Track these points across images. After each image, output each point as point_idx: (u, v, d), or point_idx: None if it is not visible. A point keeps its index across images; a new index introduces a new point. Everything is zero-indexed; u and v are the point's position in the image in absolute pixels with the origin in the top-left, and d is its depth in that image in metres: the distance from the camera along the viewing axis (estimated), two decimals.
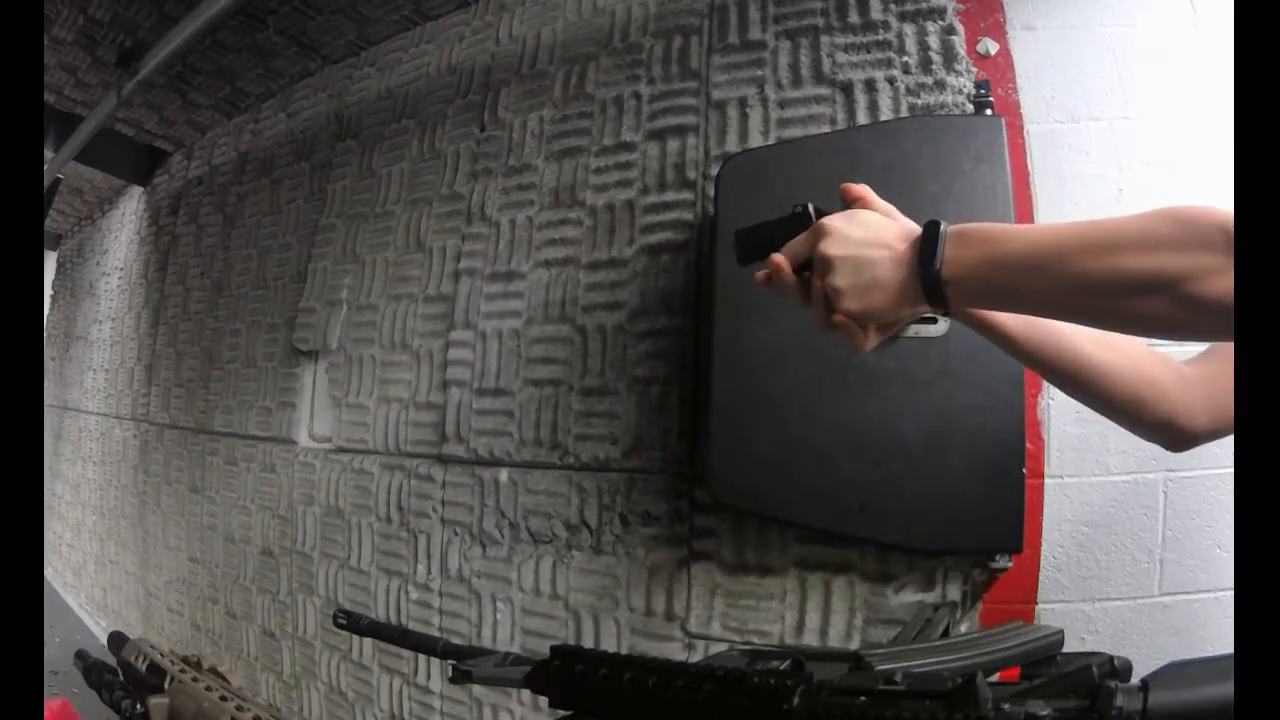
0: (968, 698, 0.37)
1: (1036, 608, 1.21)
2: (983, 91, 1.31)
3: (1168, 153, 1.25)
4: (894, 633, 1.20)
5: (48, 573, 3.89)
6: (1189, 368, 0.73)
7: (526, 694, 1.01)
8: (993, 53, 1.34)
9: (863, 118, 1.40)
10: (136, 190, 3.61)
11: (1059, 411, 1.23)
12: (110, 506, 3.30)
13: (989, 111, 1.29)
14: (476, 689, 1.63)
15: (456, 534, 1.74)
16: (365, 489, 1.94)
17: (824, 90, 1.44)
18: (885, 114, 1.38)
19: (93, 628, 3.33)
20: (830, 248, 0.62)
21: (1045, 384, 1.22)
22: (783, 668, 0.54)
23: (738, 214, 1.30)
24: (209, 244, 2.85)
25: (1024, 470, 1.18)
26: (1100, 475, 1.21)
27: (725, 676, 0.43)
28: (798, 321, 1.12)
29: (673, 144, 1.57)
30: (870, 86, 1.41)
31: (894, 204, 0.67)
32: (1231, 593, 1.06)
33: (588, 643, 1.51)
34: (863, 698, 0.40)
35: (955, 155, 1.23)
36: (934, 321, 1.20)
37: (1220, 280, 0.49)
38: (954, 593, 1.24)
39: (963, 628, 1.22)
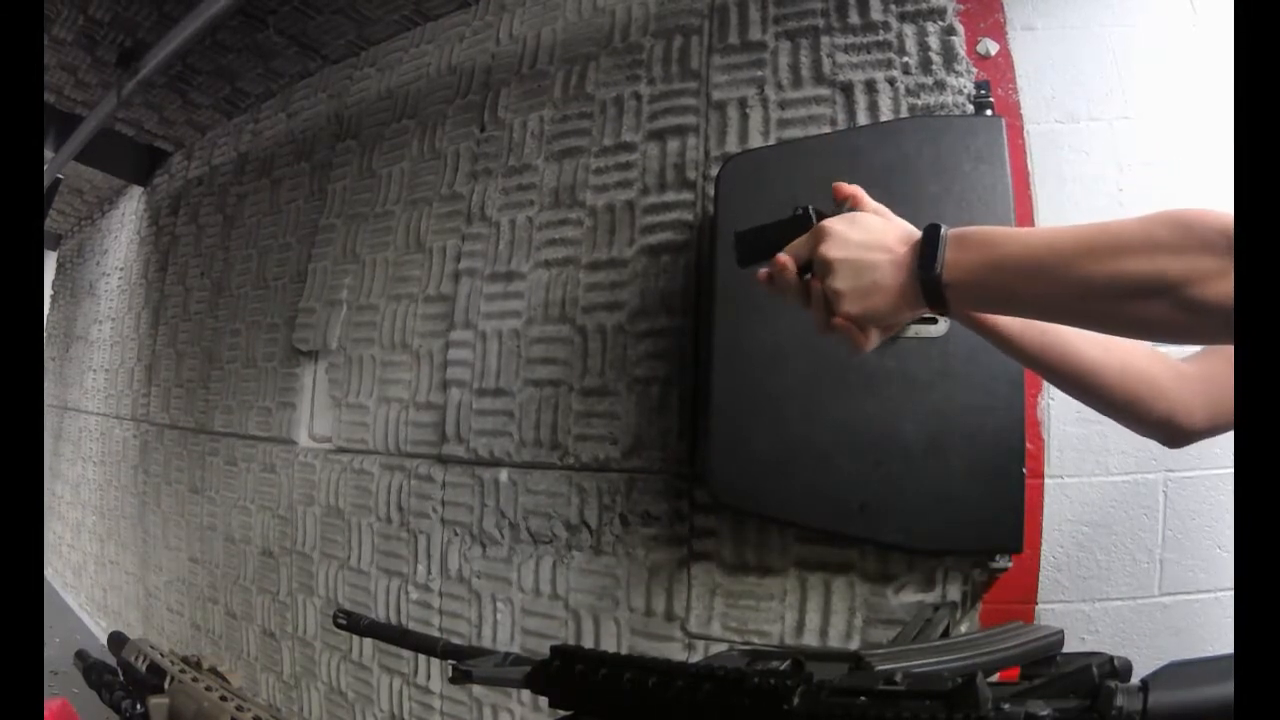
0: (968, 698, 0.37)
1: (1036, 608, 1.21)
2: (983, 92, 1.31)
3: (1168, 153, 1.25)
4: (894, 633, 1.20)
5: (48, 573, 3.89)
6: (1187, 365, 0.73)
7: (526, 694, 1.01)
8: (993, 53, 1.34)
9: (863, 118, 1.40)
10: (136, 190, 3.61)
11: (1059, 411, 1.23)
12: (110, 506, 3.30)
13: (989, 112, 1.29)
14: (476, 689, 1.63)
15: (456, 534, 1.74)
16: (365, 489, 1.94)
17: (824, 90, 1.44)
18: (885, 114, 1.38)
19: (93, 628, 3.33)
20: (830, 250, 0.62)
21: (1045, 384, 1.22)
22: (783, 668, 0.54)
23: (738, 214, 1.30)
24: (209, 244, 2.85)
25: (1024, 470, 1.18)
26: (1100, 475, 1.21)
27: (725, 676, 0.43)
28: (798, 321, 1.12)
29: (673, 144, 1.57)
30: (870, 87, 1.41)
31: (895, 204, 0.67)
32: (1231, 593, 1.06)
33: (588, 643, 1.51)
34: (863, 698, 0.40)
35: (955, 155, 1.23)
36: (934, 322, 1.20)
37: (1221, 283, 0.49)
38: (954, 593, 1.24)
39: (963, 628, 1.22)
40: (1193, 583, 1.17)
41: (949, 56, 1.36)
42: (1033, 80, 1.32)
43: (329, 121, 2.38)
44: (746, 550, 1.37)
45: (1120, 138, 1.27)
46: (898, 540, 1.21)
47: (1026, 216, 1.26)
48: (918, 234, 0.62)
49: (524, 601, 1.62)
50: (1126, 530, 1.19)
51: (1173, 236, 0.51)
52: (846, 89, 1.43)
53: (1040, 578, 1.21)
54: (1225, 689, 0.36)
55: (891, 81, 1.39)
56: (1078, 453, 1.22)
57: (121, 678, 0.72)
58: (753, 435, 1.27)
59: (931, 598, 1.25)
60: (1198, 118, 1.23)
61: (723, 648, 0.94)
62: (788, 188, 1.24)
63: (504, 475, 1.68)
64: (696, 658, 1.13)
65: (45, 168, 3.03)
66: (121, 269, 3.63)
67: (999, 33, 1.35)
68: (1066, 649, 0.61)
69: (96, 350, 3.75)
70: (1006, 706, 0.38)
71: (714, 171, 1.47)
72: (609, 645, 1.48)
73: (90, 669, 0.73)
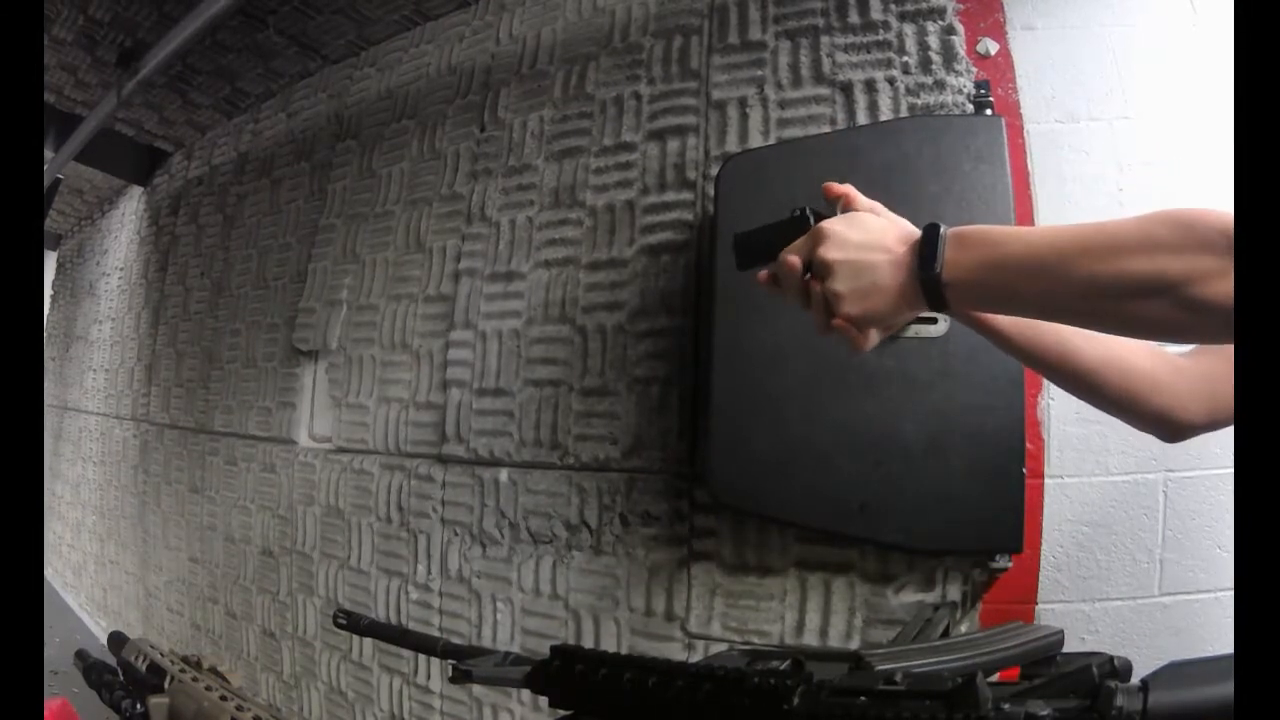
0: (968, 698, 0.37)
1: (1036, 608, 1.21)
2: (983, 91, 1.31)
3: (1168, 153, 1.25)
4: (894, 633, 1.20)
5: (48, 573, 3.89)
6: (1184, 360, 0.73)
7: (526, 694, 1.01)
8: (993, 53, 1.34)
9: (863, 118, 1.40)
10: (136, 190, 3.61)
11: (1059, 411, 1.23)
12: (110, 506, 3.30)
13: (989, 111, 1.29)
14: (476, 689, 1.63)
15: (456, 534, 1.74)
16: (365, 489, 1.94)
17: (824, 90, 1.44)
18: (885, 114, 1.38)
19: (93, 628, 3.33)
20: (829, 251, 0.62)
21: (1045, 384, 1.22)
22: (783, 668, 0.54)
23: (738, 214, 1.30)
24: (209, 244, 2.85)
25: (1024, 470, 1.18)
26: (1100, 475, 1.21)
27: (725, 676, 0.43)
28: (798, 322, 1.12)
29: (673, 144, 1.57)
30: (870, 86, 1.41)
31: (894, 204, 0.67)
32: (1231, 593, 1.06)
33: (588, 643, 1.51)
34: (863, 698, 0.40)
35: (955, 155, 1.23)
36: (934, 322, 1.20)
37: (1221, 283, 0.49)
38: (954, 593, 1.24)
39: (963, 628, 1.22)
40: (1193, 583, 1.17)
41: (949, 56, 1.36)
42: (1033, 80, 1.32)
43: (329, 121, 2.38)
44: (746, 550, 1.37)
45: (1120, 138, 1.27)
46: (898, 540, 1.21)
47: (1026, 216, 1.26)
48: (916, 233, 0.62)
49: (524, 601, 1.62)
50: (1126, 530, 1.19)
51: (1173, 236, 0.51)
52: (846, 89, 1.43)
53: (1040, 578, 1.21)
54: (1225, 689, 0.36)
55: (891, 81, 1.39)
56: (1078, 453, 1.22)
57: (121, 678, 0.72)
58: (753, 435, 1.27)
59: (931, 598, 1.25)
60: (1198, 118, 1.23)
61: (723, 648, 0.94)
62: (788, 188, 1.24)
63: (504, 475, 1.68)
64: (696, 658, 1.13)
65: (45, 168, 3.03)
66: (121, 269, 3.63)
67: (999, 32, 1.35)
68: (1066, 649, 0.61)
69: (96, 350, 3.75)
70: (1006, 706, 0.38)
71: (714, 171, 1.47)
72: (609, 645, 1.48)
73: (90, 669, 0.73)
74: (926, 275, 0.59)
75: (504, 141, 1.84)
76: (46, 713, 0.71)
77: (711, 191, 1.45)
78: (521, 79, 1.85)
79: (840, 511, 1.21)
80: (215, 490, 2.50)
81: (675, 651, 1.41)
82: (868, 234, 0.63)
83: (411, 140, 2.06)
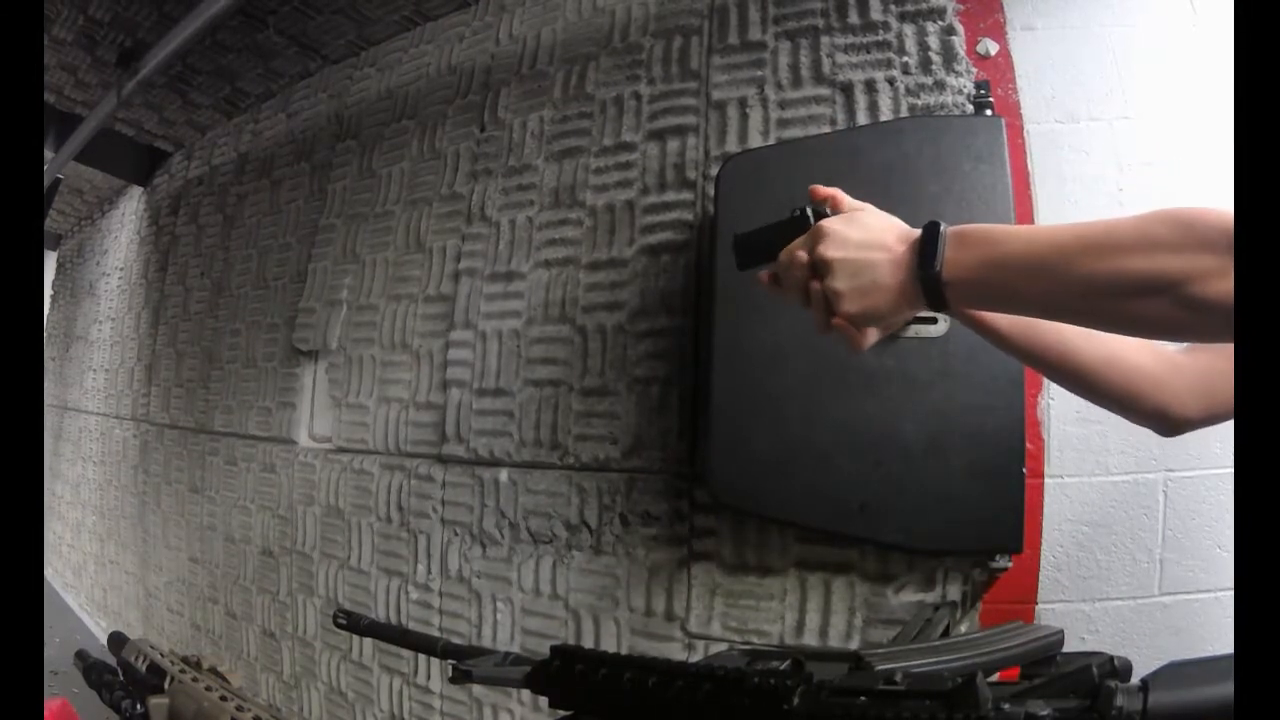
0: (968, 698, 0.37)
1: (1036, 608, 1.21)
2: (983, 92, 1.31)
3: (1168, 153, 1.25)
4: (894, 633, 1.20)
5: (48, 573, 3.89)
6: (1182, 357, 0.74)
7: (526, 694, 1.01)
8: (993, 53, 1.34)
9: (863, 118, 1.40)
10: (136, 190, 3.61)
11: (1059, 411, 1.23)
12: (110, 506, 3.30)
13: (989, 112, 1.29)
14: (476, 689, 1.63)
15: (456, 534, 1.74)
16: (365, 489, 1.94)
17: (824, 90, 1.44)
18: (885, 114, 1.38)
19: (93, 628, 3.33)
20: (829, 250, 0.62)
21: (1045, 384, 1.22)
22: (783, 668, 0.54)
23: (738, 214, 1.30)
24: (209, 244, 2.85)
25: (1024, 470, 1.18)
26: (1100, 475, 1.21)
27: (725, 676, 0.43)
28: (798, 321, 1.12)
29: (673, 144, 1.57)
30: (870, 87, 1.41)
31: (894, 204, 0.67)
32: (1231, 593, 1.06)
33: (588, 643, 1.51)
34: (863, 698, 0.40)
35: (955, 155, 1.23)
36: (934, 321, 1.20)
37: (1221, 282, 0.49)
38: (954, 593, 1.24)
39: (963, 628, 1.22)
40: (1193, 583, 1.17)
41: (949, 56, 1.36)
42: (1033, 80, 1.32)
43: (329, 121, 2.38)
44: (746, 550, 1.37)
45: (1120, 138, 1.27)
46: (898, 540, 1.21)
47: (1026, 216, 1.26)
48: (915, 232, 0.62)
49: (524, 601, 1.62)
50: (1126, 530, 1.19)
51: (1173, 235, 0.51)
52: (846, 89, 1.43)
53: (1040, 578, 1.21)
54: (1225, 689, 0.36)
55: (891, 81, 1.39)
56: (1078, 453, 1.22)
57: (121, 678, 0.72)
58: (753, 435, 1.27)
59: (931, 598, 1.25)
60: (1198, 118, 1.23)
61: (723, 648, 0.94)
62: (788, 188, 1.24)
63: (504, 475, 1.68)
64: (696, 658, 1.13)
65: (45, 168, 3.03)
66: (121, 269, 3.63)
67: (999, 33, 1.35)
68: (1066, 649, 0.61)
69: (96, 350, 3.75)
70: (1006, 706, 0.38)
71: (714, 171, 1.47)
72: (609, 645, 1.48)
73: (90, 669, 0.73)
74: (927, 274, 0.59)
75: (504, 141, 1.84)
76: (46, 713, 0.71)
77: (711, 191, 1.45)
78: (521, 79, 1.85)
79: (840, 511, 1.21)
80: (215, 490, 2.50)
81: (675, 651, 1.41)
82: (868, 232, 0.63)
83: (411, 140, 2.07)
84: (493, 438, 1.71)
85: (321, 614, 2.02)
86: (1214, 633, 1.15)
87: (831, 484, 1.22)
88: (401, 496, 1.86)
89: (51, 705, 0.72)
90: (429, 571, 1.78)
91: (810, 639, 1.31)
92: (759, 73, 1.51)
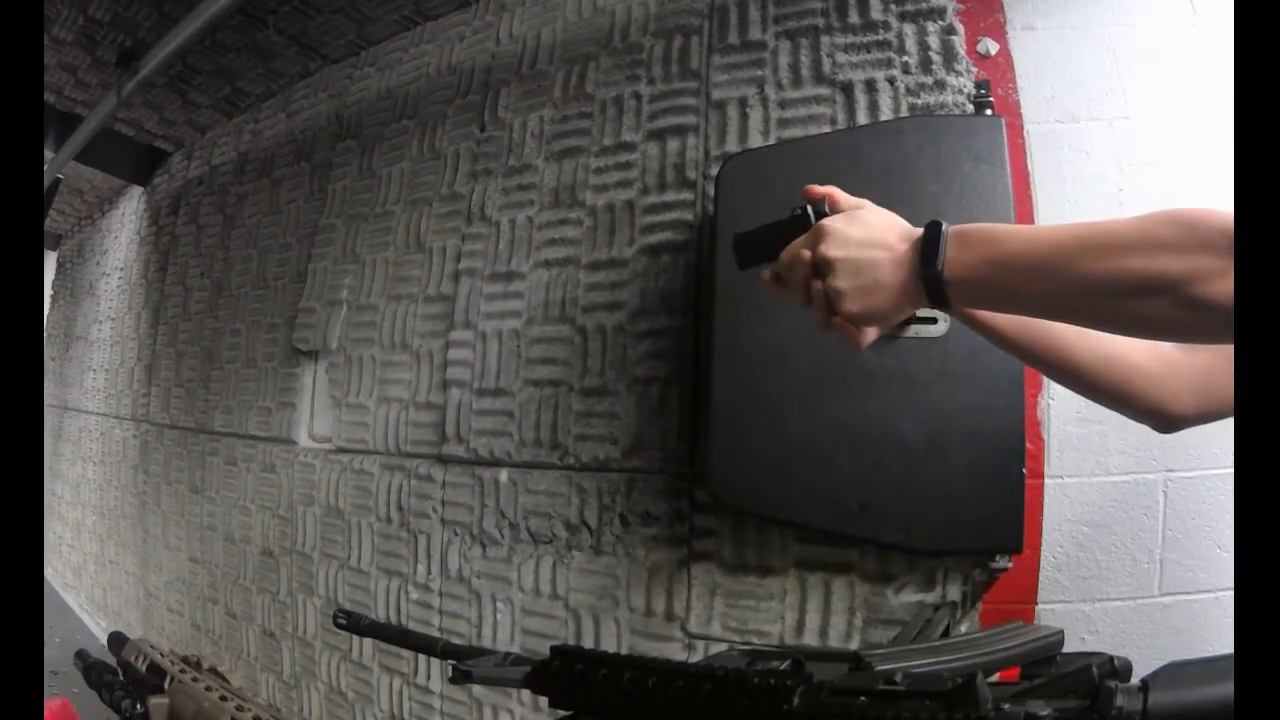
0: (968, 698, 0.37)
1: (1036, 608, 1.21)
2: (983, 91, 1.31)
3: (1168, 153, 1.25)
4: (894, 633, 1.20)
5: (48, 573, 3.89)
6: (1179, 355, 0.74)
7: (526, 694, 1.01)
8: (993, 53, 1.34)
9: (863, 118, 1.40)
10: (136, 190, 3.61)
11: (1059, 411, 1.23)
12: (110, 506, 3.30)
13: (989, 111, 1.29)
14: (476, 689, 1.63)
15: (456, 534, 1.74)
16: (365, 489, 1.94)
17: (824, 90, 1.44)
18: (885, 114, 1.38)
19: (93, 628, 3.33)
20: (830, 249, 0.62)
21: (1045, 384, 1.22)
22: (783, 668, 0.54)
23: (738, 214, 1.30)
24: (209, 244, 2.85)
25: (1024, 470, 1.18)
26: (1100, 475, 1.21)
27: (725, 676, 0.43)
28: (798, 321, 1.12)
29: (673, 144, 1.57)
30: (870, 86, 1.41)
31: (895, 204, 0.67)
32: (1231, 593, 1.06)
33: (588, 643, 1.51)
34: (863, 698, 0.40)
35: (955, 155, 1.23)
36: (934, 322, 1.20)
37: (1222, 282, 0.49)
38: (954, 593, 1.24)
39: (963, 628, 1.22)
40: (1193, 583, 1.17)
41: (949, 56, 1.36)
42: (1033, 80, 1.32)
43: (329, 121, 2.38)
44: (746, 550, 1.37)
45: (1120, 138, 1.27)
46: (898, 540, 1.21)
47: (1026, 216, 1.26)
48: (916, 231, 0.62)
49: (524, 601, 1.62)
50: (1126, 530, 1.19)
51: (1174, 235, 0.51)
52: (846, 88, 1.43)
53: (1040, 578, 1.21)
54: (1225, 689, 0.36)
55: (891, 81, 1.39)
56: (1078, 453, 1.22)
57: (121, 678, 0.72)
58: (753, 435, 1.27)
59: (931, 598, 1.25)
60: (1198, 118, 1.23)
61: (723, 648, 0.94)
62: (788, 188, 1.23)
63: (504, 475, 1.68)
64: (696, 658, 1.13)
65: (45, 168, 3.03)
66: (121, 269, 3.63)
67: (999, 32, 1.35)
68: (1066, 649, 0.61)
69: (96, 350, 3.75)
70: (1006, 706, 0.38)
71: (714, 171, 1.47)
72: (609, 645, 1.48)
73: (90, 669, 0.73)
74: (928, 273, 0.59)
75: (504, 141, 1.84)
76: (46, 713, 0.71)
77: (711, 191, 1.45)
78: (521, 79, 1.85)
79: (840, 511, 1.21)
80: (215, 490, 2.50)
81: (675, 651, 1.41)
82: (869, 231, 0.63)
83: (411, 140, 2.07)
84: (493, 438, 1.71)
85: (321, 614, 2.02)
86: (1214, 633, 1.15)
87: (831, 484, 1.22)
88: (401, 496, 1.86)
89: (51, 705, 0.72)
90: (429, 571, 1.78)
91: (810, 639, 1.31)
92: (759, 72, 1.51)
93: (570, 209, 1.68)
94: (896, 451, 1.20)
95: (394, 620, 1.82)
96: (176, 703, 0.65)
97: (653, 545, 1.47)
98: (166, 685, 0.67)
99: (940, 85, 1.36)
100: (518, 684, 0.56)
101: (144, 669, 0.70)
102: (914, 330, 1.21)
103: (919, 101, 1.37)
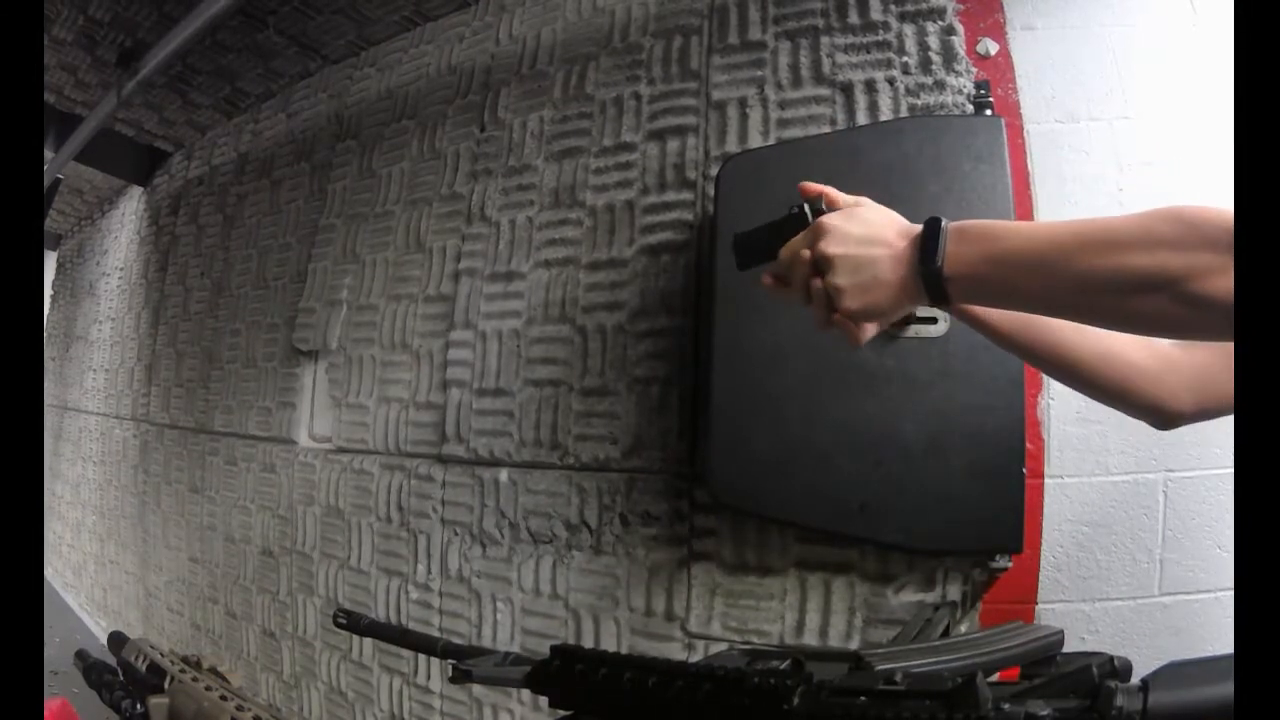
0: (968, 698, 0.37)
1: (1036, 608, 1.21)
2: (983, 92, 1.31)
3: (1168, 153, 1.25)
4: (894, 633, 1.20)
5: (48, 573, 3.89)
6: (1177, 352, 0.74)
7: (526, 694, 1.01)
8: (993, 53, 1.34)
9: (863, 118, 1.40)
10: (136, 190, 3.61)
11: (1059, 411, 1.23)
12: (110, 506, 3.30)
13: (989, 111, 1.29)
14: (476, 689, 1.63)
15: (456, 534, 1.74)
16: (365, 489, 1.94)
17: (824, 90, 1.44)
18: (885, 114, 1.38)
19: (93, 628, 3.33)
20: (830, 246, 0.62)
21: (1045, 384, 1.22)
22: (783, 668, 0.54)
23: (738, 214, 1.30)
24: (209, 244, 2.85)
25: (1024, 470, 1.18)
26: (1100, 475, 1.21)
27: (725, 676, 0.43)
28: (798, 321, 1.13)
29: (673, 144, 1.57)
30: (870, 87, 1.41)
31: (895, 204, 0.67)
32: (1231, 593, 1.06)
33: (588, 643, 1.51)
34: (863, 698, 0.40)
35: (955, 155, 1.23)
36: (934, 322, 1.20)
37: (1222, 279, 0.49)
38: (954, 593, 1.24)
39: (963, 628, 1.22)
40: (1193, 583, 1.17)
41: (949, 56, 1.36)
42: (1033, 80, 1.32)
43: (329, 121, 2.38)
44: (746, 550, 1.37)
45: (1120, 138, 1.27)
46: (898, 540, 1.21)
47: (1026, 216, 1.26)
48: (916, 228, 0.62)
49: (524, 601, 1.62)
50: (1126, 530, 1.19)
51: (1174, 232, 0.51)
52: (846, 89, 1.43)
53: (1040, 578, 1.21)
54: (1225, 689, 0.36)
55: (891, 81, 1.39)
56: (1078, 453, 1.22)
57: (121, 678, 0.72)
58: (753, 435, 1.27)
59: (931, 598, 1.25)
60: (1198, 118, 1.23)
61: (723, 648, 0.94)
62: (788, 188, 1.23)
63: (504, 475, 1.68)
64: (696, 658, 1.13)
65: (45, 168, 3.03)
66: (121, 269, 3.63)
67: (999, 32, 1.35)
68: (1066, 649, 0.61)
69: (96, 350, 3.75)
70: (1006, 706, 0.38)
71: (714, 171, 1.47)
72: (609, 645, 1.48)
73: (90, 669, 0.73)
74: (928, 269, 0.59)
75: (504, 141, 1.84)
76: (46, 713, 0.71)
77: (711, 191, 1.45)
78: (521, 79, 1.85)
79: (840, 511, 1.21)
80: (215, 490, 2.50)
81: (675, 651, 1.41)
82: (868, 228, 0.63)
83: (411, 140, 2.07)
84: (493, 438, 1.71)
85: (321, 614, 2.02)
86: (1214, 633, 1.15)
87: (831, 484, 1.22)
88: (401, 496, 1.86)
89: (51, 705, 0.72)
90: (429, 571, 1.78)
91: (810, 639, 1.31)
92: (759, 73, 1.51)
93: (570, 209, 1.68)
94: (896, 451, 1.20)
95: (394, 620, 1.82)
96: (176, 703, 0.65)
97: (653, 545, 1.47)
98: (166, 685, 0.67)
99: (940, 85, 1.36)
100: (518, 684, 0.56)
101: (144, 669, 0.70)
102: (914, 330, 1.21)
103: (919, 102, 1.37)
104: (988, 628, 0.68)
